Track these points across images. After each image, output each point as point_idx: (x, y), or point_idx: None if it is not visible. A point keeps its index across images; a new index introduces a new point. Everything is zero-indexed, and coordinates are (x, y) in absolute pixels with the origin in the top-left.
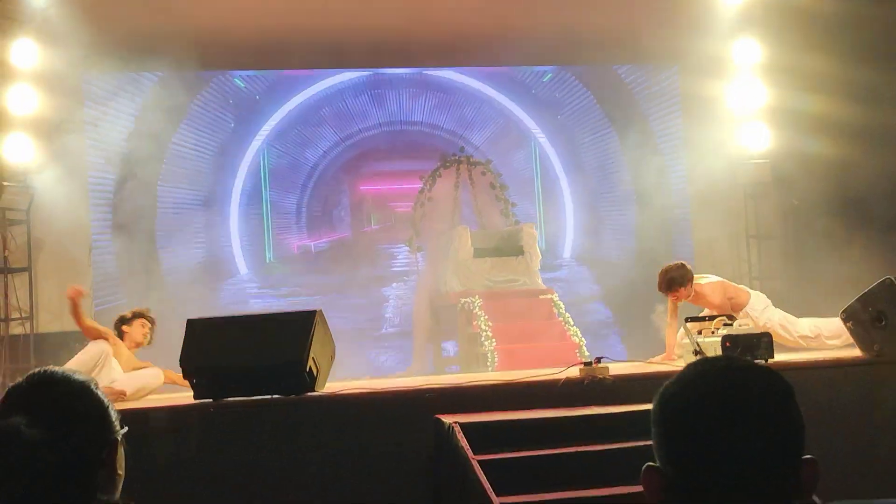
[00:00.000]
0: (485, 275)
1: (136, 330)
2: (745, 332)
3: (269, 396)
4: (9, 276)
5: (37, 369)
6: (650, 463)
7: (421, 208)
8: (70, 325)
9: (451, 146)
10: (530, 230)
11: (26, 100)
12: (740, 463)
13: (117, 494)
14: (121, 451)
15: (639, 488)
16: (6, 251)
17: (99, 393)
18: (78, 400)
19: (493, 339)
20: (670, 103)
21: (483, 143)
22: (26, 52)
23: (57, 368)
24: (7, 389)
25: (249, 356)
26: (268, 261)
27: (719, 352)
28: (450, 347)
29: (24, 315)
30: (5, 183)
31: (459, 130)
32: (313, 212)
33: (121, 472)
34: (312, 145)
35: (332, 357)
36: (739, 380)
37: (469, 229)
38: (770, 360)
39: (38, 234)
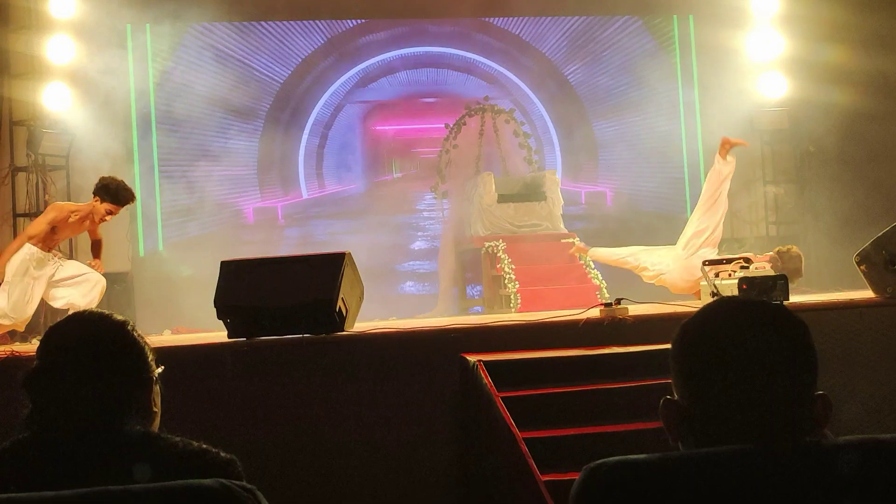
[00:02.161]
0: (508, 219)
1: None
2: (761, 274)
3: (300, 335)
4: None
5: (75, 311)
6: (668, 396)
7: (446, 155)
8: (110, 266)
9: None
10: (553, 176)
11: (65, 49)
12: (756, 396)
13: (154, 428)
14: (156, 389)
15: (657, 424)
16: (46, 196)
17: (135, 333)
18: (112, 339)
19: (516, 282)
20: (687, 52)
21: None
22: (64, 2)
23: (95, 310)
24: (48, 329)
25: (281, 296)
26: (142, 254)
27: (736, 293)
28: (473, 290)
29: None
30: (45, 130)
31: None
32: (291, 160)
33: (156, 409)
34: (276, 52)
35: (361, 298)
36: (755, 316)
37: (493, 175)
38: (786, 302)
39: (77, 179)
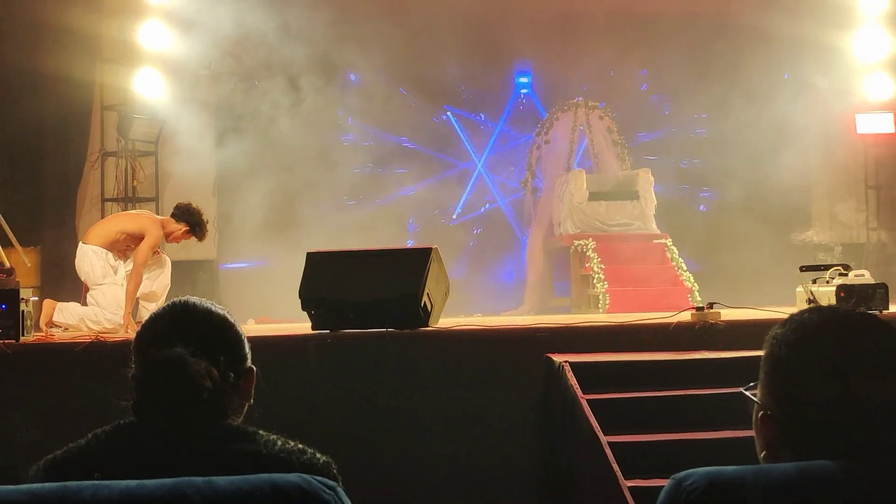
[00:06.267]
0: (599, 218)
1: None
2: (861, 282)
3: (383, 329)
4: (137, 205)
5: (176, 299)
6: (763, 410)
7: (537, 151)
8: (196, 254)
9: None
10: (646, 175)
11: (158, 36)
12: (855, 410)
13: (241, 419)
14: (253, 380)
15: (746, 432)
16: (135, 181)
17: (236, 324)
18: (219, 330)
19: (605, 282)
20: (792, 51)
21: None
22: None
23: (195, 298)
24: (150, 317)
25: (366, 289)
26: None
27: (833, 301)
28: (561, 288)
29: None
30: (135, 115)
31: None
32: None
33: (251, 400)
34: None
35: (446, 294)
36: (858, 329)
37: (584, 173)
38: (884, 312)
39: (165, 165)
